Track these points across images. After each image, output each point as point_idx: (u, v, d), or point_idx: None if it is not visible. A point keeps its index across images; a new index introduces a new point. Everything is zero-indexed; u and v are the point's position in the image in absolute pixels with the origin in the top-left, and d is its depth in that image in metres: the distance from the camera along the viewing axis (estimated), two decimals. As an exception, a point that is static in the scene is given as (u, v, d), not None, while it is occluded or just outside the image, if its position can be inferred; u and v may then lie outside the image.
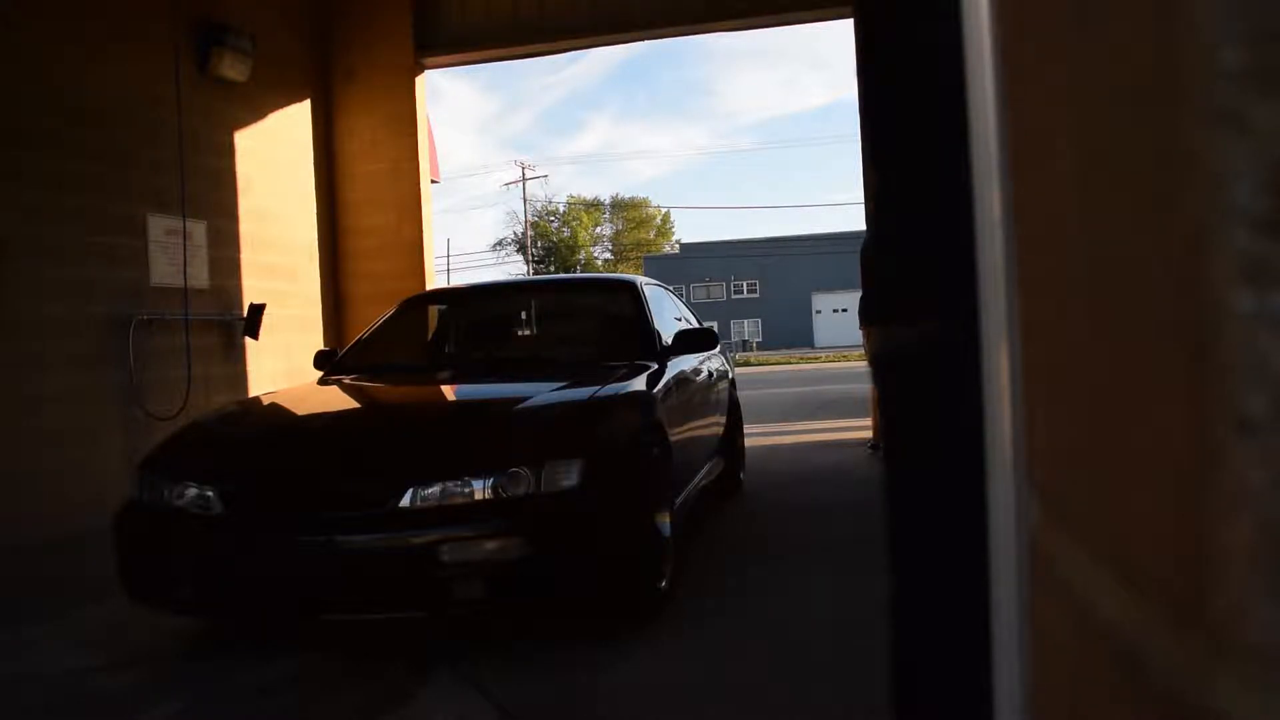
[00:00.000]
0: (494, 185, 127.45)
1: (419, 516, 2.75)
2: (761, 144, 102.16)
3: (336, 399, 3.86)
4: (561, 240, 55.81)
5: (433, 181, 8.44)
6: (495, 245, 61.46)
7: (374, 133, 8.03)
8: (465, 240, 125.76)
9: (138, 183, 5.91)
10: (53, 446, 5.15)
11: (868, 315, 5.40)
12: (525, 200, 49.21)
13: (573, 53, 8.73)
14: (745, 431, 6.24)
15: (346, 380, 4.13)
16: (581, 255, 55.37)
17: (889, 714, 0.78)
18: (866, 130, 0.76)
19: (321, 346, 6.81)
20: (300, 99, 7.73)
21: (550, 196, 63.88)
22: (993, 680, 0.56)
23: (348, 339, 6.59)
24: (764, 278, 47.88)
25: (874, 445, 6.82)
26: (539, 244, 53.97)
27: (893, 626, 0.75)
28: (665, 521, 3.35)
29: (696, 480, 4.30)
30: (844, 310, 45.79)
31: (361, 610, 2.83)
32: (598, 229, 58.05)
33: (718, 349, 5.25)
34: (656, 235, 58.27)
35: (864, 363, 6.42)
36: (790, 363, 30.18)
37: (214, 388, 6.43)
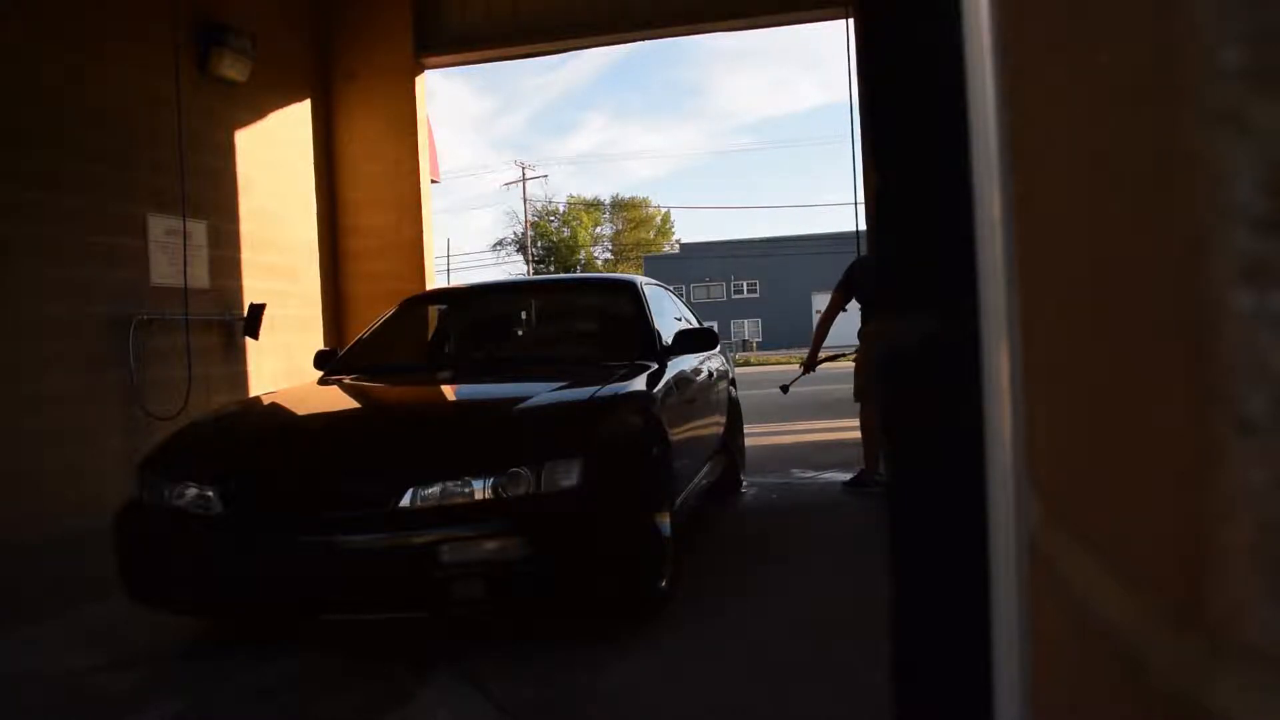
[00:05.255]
0: (489, 185, 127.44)
1: (419, 516, 2.75)
2: (760, 144, 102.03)
3: (336, 399, 3.86)
4: (561, 240, 55.80)
5: (433, 181, 8.44)
6: (495, 245, 61.48)
7: (374, 133, 8.03)
8: (461, 240, 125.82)
9: (138, 183, 5.91)
10: (53, 446, 5.15)
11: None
12: (525, 200, 49.25)
13: (567, 53, 8.71)
14: (745, 431, 6.24)
15: (346, 380, 4.13)
16: (581, 255, 55.36)
17: (889, 714, 0.78)
18: (867, 130, 0.76)
19: (321, 346, 6.81)
20: (300, 99, 7.73)
21: (550, 196, 63.95)
22: (993, 680, 0.56)
23: (348, 339, 6.59)
24: (764, 278, 47.86)
25: (856, 481, 5.52)
26: (539, 244, 53.96)
27: (893, 626, 0.75)
28: (665, 521, 3.35)
29: (696, 480, 4.30)
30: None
31: (361, 610, 2.83)
32: (598, 229, 58.05)
33: (718, 349, 5.25)
34: (656, 235, 58.23)
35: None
36: (790, 363, 30.17)
37: (214, 388, 6.43)
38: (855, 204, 5.47)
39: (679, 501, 3.73)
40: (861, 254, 5.76)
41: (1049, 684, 0.49)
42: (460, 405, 3.86)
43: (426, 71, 8.20)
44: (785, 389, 6.50)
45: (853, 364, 5.83)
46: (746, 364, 29.06)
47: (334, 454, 3.10)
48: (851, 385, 5.72)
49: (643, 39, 8.26)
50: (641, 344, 4.18)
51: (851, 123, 4.66)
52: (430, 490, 2.77)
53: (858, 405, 5.52)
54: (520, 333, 5.49)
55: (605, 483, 2.91)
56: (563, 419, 3.25)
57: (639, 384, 3.61)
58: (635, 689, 2.59)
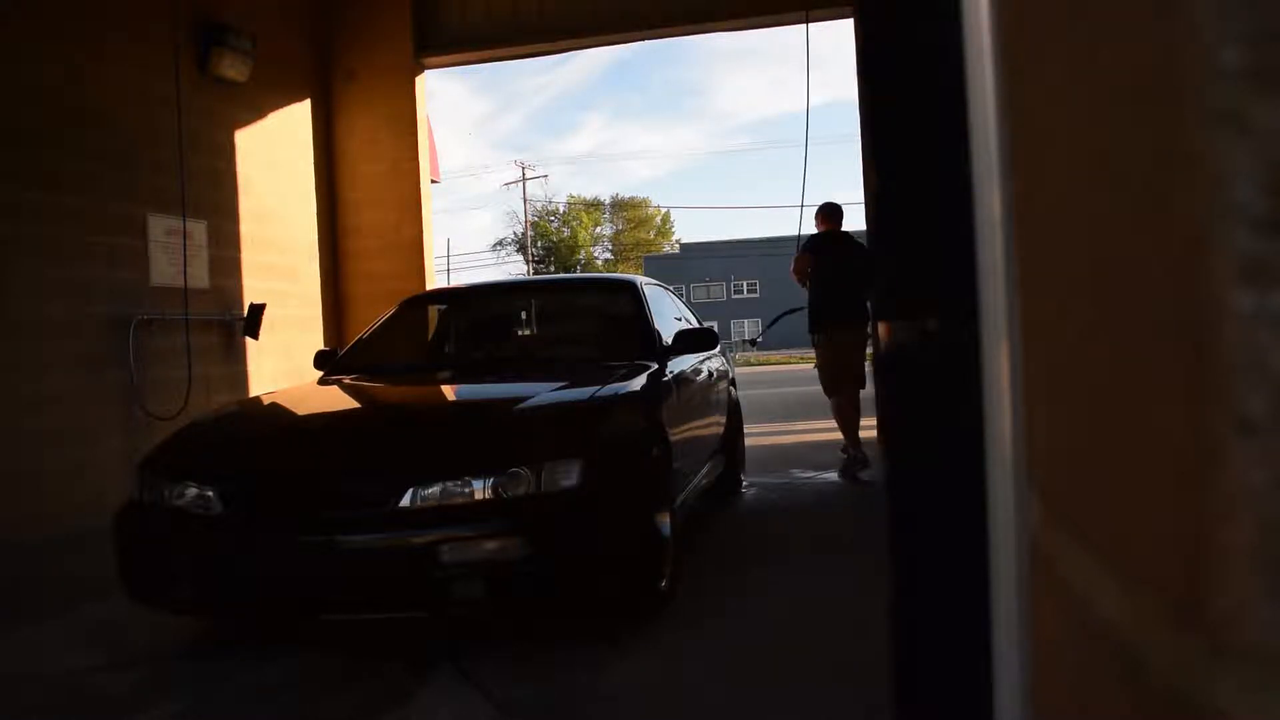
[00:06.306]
0: (487, 186, 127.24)
1: (419, 516, 2.75)
2: (759, 143, 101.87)
3: (336, 399, 3.85)
4: (561, 240, 55.79)
5: (433, 181, 8.44)
6: (495, 245, 61.49)
7: (374, 132, 8.03)
8: (461, 240, 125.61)
9: (138, 183, 5.91)
10: (53, 446, 5.15)
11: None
12: (525, 200, 49.24)
13: (567, 53, 8.73)
14: (745, 431, 6.24)
15: (346, 380, 4.13)
16: (581, 255, 55.35)
17: (889, 714, 0.78)
18: (867, 130, 0.76)
19: (321, 346, 6.81)
20: (300, 99, 7.73)
21: (550, 196, 63.91)
22: (993, 680, 0.56)
23: (348, 339, 6.59)
24: (764, 278, 47.86)
25: (846, 467, 5.86)
26: (539, 244, 53.95)
27: (893, 626, 0.75)
28: (665, 521, 3.35)
29: (696, 480, 4.30)
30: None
31: (361, 610, 2.83)
32: (598, 229, 58.05)
33: (718, 349, 5.25)
34: (656, 235, 58.24)
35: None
36: (790, 363, 30.17)
37: (214, 388, 6.43)
38: (800, 207, 6.46)
39: (679, 501, 3.73)
40: (804, 233, 6.32)
41: (1049, 684, 0.49)
42: (460, 405, 3.86)
43: (426, 71, 8.20)
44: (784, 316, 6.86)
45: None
46: (747, 364, 29.07)
47: (334, 454, 3.10)
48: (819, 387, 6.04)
49: (643, 39, 8.26)
50: (641, 344, 4.18)
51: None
52: (430, 490, 2.77)
53: (831, 401, 5.89)
54: (520, 333, 5.49)
55: (605, 483, 2.91)
56: (563, 419, 3.25)
57: (639, 384, 3.61)
58: (635, 689, 2.59)
